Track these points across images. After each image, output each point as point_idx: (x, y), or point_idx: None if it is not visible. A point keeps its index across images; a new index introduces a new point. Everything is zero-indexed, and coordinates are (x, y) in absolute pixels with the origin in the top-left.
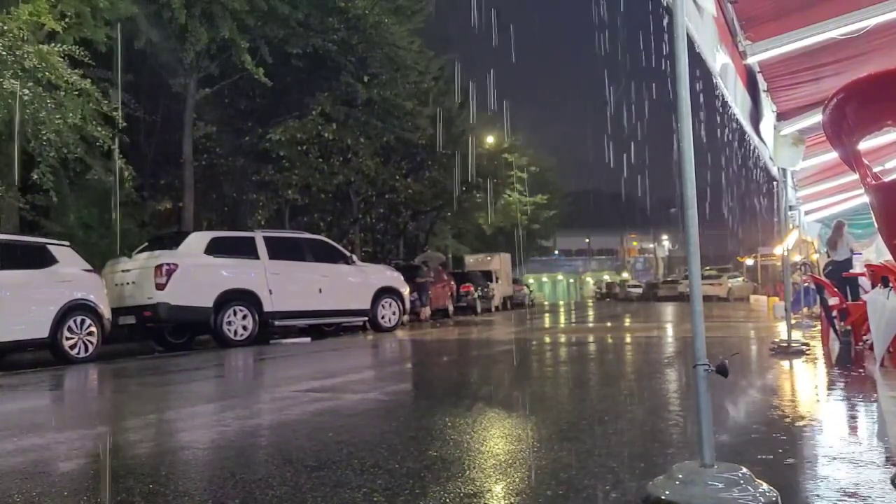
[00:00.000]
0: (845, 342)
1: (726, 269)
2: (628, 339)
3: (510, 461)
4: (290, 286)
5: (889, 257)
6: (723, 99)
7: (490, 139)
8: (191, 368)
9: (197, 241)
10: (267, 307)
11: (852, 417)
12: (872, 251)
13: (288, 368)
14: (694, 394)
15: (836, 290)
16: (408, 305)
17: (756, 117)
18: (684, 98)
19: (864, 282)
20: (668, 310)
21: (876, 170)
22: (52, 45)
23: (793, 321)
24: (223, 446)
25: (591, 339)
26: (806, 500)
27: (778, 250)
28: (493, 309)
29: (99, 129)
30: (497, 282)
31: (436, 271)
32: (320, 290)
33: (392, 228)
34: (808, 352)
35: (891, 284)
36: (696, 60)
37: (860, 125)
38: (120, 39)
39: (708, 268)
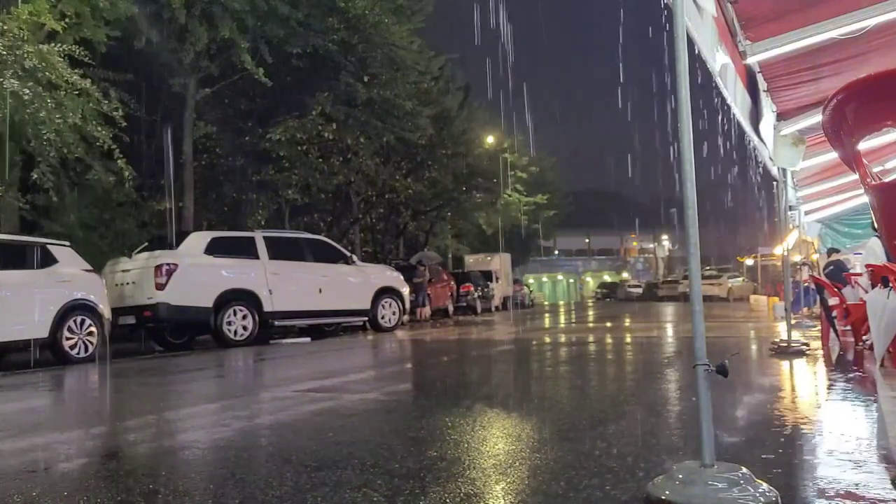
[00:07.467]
0: (845, 342)
1: (726, 269)
2: (628, 340)
3: (510, 461)
4: (290, 286)
5: (882, 258)
6: (723, 99)
7: (490, 139)
8: (191, 368)
9: (197, 241)
10: (267, 307)
11: (852, 417)
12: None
13: (288, 368)
14: (694, 394)
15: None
16: (408, 305)
17: (756, 117)
18: (684, 98)
19: (864, 281)
20: (668, 310)
21: (876, 170)
22: (52, 45)
23: (793, 321)
24: (223, 446)
25: (591, 339)
26: (806, 500)
27: (778, 250)
28: (493, 309)
29: (99, 128)
30: (497, 282)
31: (435, 271)
32: (320, 290)
33: (392, 228)
34: (808, 352)
35: (891, 284)
36: (697, 60)
37: (860, 125)
38: (116, 39)
39: (708, 268)
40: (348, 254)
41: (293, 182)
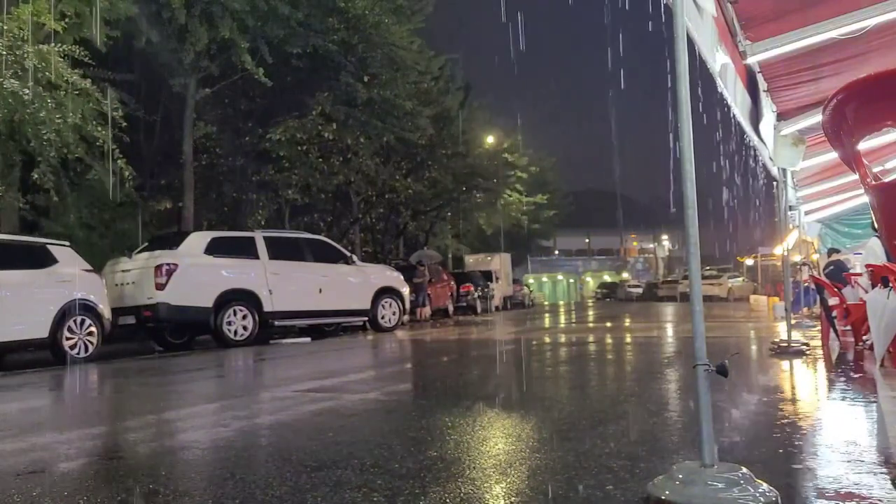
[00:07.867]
0: (845, 342)
1: (726, 269)
2: (628, 340)
3: (510, 461)
4: (290, 286)
5: (882, 258)
6: (722, 99)
7: (490, 139)
8: (191, 368)
9: (197, 241)
10: (267, 307)
11: (852, 417)
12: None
13: (288, 368)
14: (694, 394)
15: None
16: (408, 305)
17: (756, 117)
18: (684, 98)
19: (864, 281)
20: (668, 310)
21: (876, 170)
22: (52, 45)
23: (793, 321)
24: (223, 446)
25: (590, 339)
26: (806, 500)
27: (778, 250)
28: (492, 309)
29: (99, 129)
30: (497, 282)
31: (435, 271)
32: (320, 290)
33: (392, 228)
34: (808, 352)
35: (891, 284)
36: (697, 60)
37: (860, 125)
38: (116, 39)
39: (708, 268)
40: (348, 254)
41: (293, 182)
